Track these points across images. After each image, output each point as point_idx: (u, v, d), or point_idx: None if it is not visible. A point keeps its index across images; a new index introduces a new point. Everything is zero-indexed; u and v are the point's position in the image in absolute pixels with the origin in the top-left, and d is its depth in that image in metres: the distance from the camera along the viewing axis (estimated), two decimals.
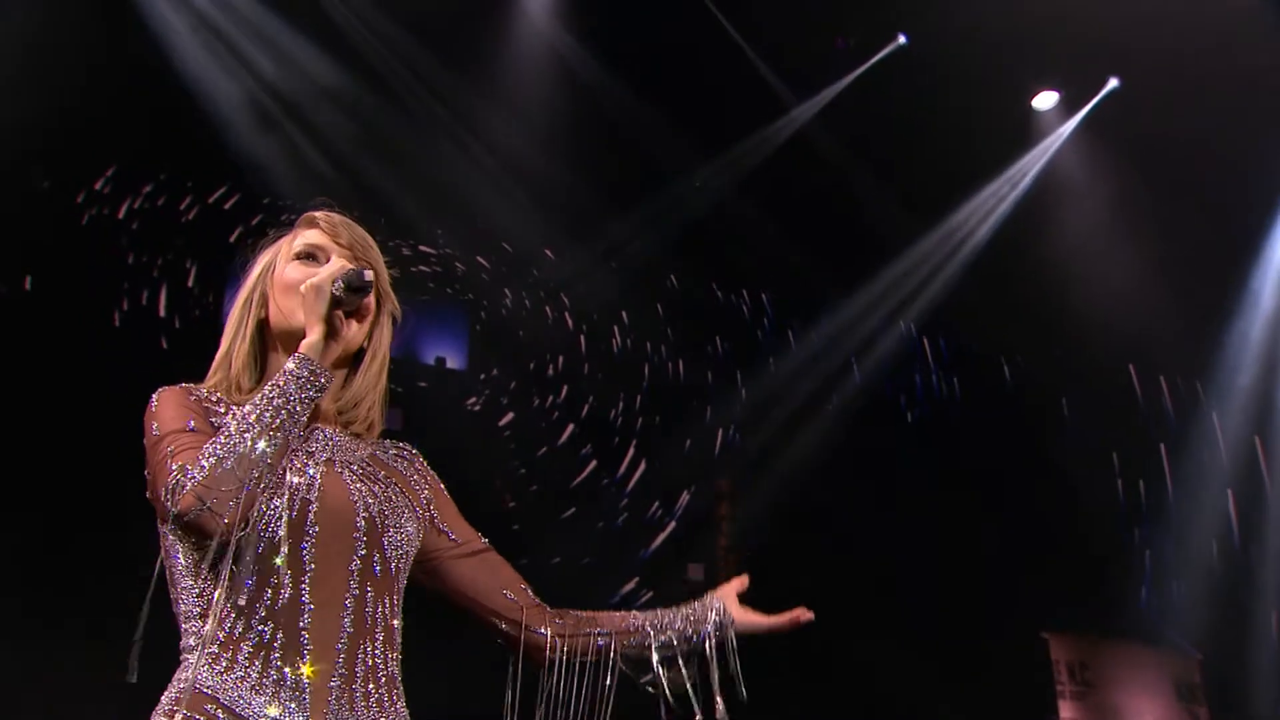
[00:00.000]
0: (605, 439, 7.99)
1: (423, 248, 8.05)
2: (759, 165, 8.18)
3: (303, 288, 1.81)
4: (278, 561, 1.72)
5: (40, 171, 6.62)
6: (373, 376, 1.96)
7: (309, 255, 1.93)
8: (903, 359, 8.88)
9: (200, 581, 1.74)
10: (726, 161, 8.16)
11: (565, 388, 7.95)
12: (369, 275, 1.79)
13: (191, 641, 1.74)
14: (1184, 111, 7.62)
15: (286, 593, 1.72)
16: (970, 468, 8.42)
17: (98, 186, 6.77)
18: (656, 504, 7.99)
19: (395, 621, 1.85)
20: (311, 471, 1.80)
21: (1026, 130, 8.49)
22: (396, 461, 1.99)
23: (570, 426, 7.83)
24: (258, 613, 1.71)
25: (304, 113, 7.21)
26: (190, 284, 7.07)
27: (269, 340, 1.94)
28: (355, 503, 1.81)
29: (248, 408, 1.70)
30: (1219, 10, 7.16)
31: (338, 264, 1.85)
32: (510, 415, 7.73)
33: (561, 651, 1.96)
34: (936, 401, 8.88)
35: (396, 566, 1.85)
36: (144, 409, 1.83)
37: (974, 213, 8.55)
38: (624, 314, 8.28)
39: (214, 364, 1.93)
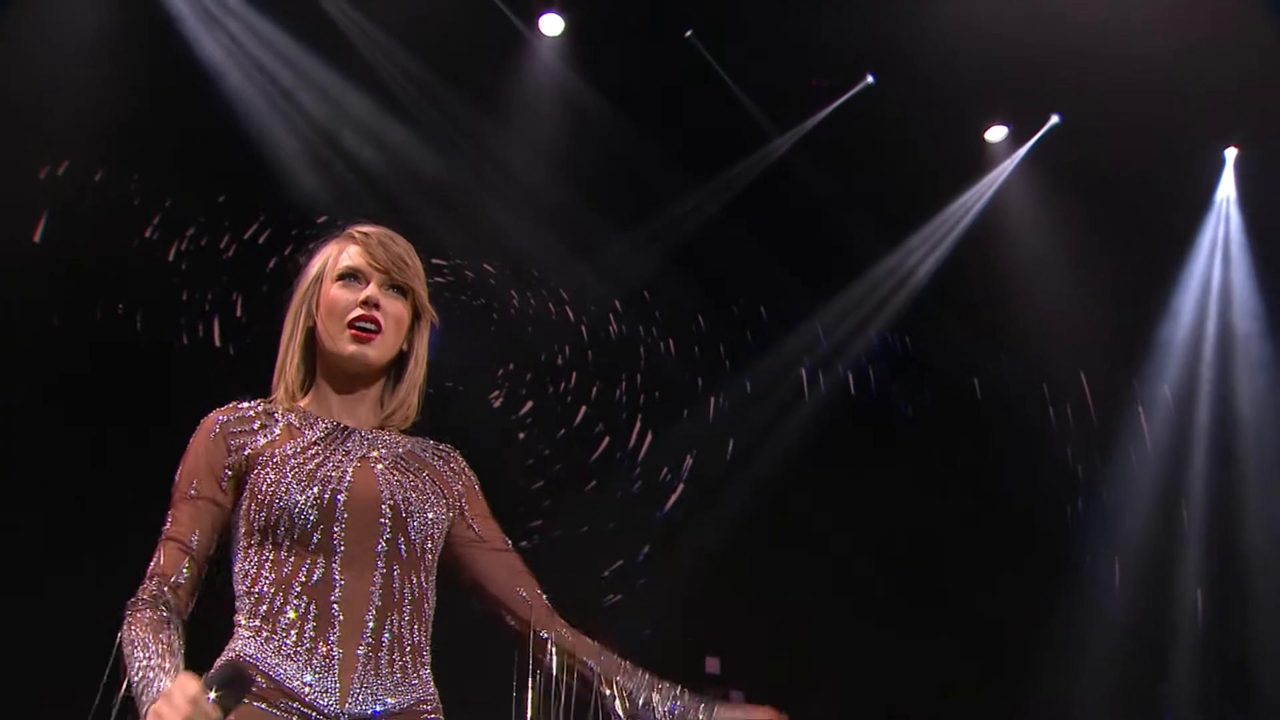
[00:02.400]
0: (614, 416, 8.64)
1: (435, 260, 8.84)
2: (743, 190, 9.00)
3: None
4: (310, 545, 1.88)
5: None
6: (413, 380, 2.12)
7: (350, 276, 2.06)
8: (869, 363, 9.63)
9: (247, 564, 1.94)
10: (714, 187, 8.98)
11: (574, 374, 8.68)
12: (231, 687, 1.65)
13: (241, 618, 1.92)
14: (1116, 144, 8.51)
15: (319, 573, 1.88)
16: (931, 461, 9.18)
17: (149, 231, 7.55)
18: (665, 469, 8.68)
19: (425, 598, 1.98)
20: (344, 467, 1.96)
21: (979, 160, 9.33)
22: (434, 458, 2.13)
23: (583, 409, 8.51)
24: (294, 590, 1.86)
25: (340, 144, 8.03)
26: (239, 314, 7.92)
27: (317, 350, 2.10)
28: (382, 491, 1.95)
29: (135, 668, 1.73)
30: (1148, 52, 7.96)
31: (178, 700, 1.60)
32: (529, 404, 8.48)
33: (554, 658, 2.04)
34: (900, 402, 9.62)
35: (423, 548, 1.98)
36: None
37: (934, 232, 9.36)
38: (617, 303, 8.89)
39: (275, 373, 2.10)
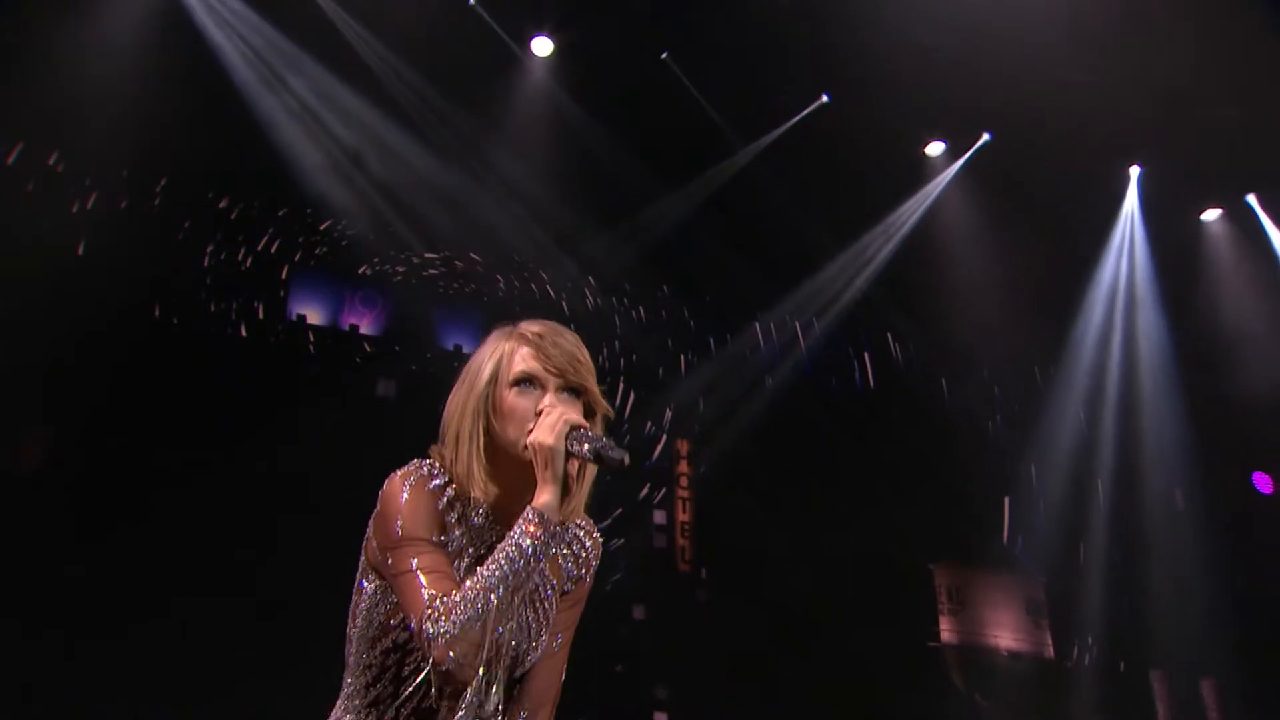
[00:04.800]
0: (600, 378, 9.50)
1: (428, 255, 9.73)
2: (712, 194, 9.82)
3: (533, 440, 1.87)
4: (421, 676, 1.89)
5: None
6: (588, 477, 1.99)
7: (526, 381, 1.97)
8: (822, 347, 10.53)
9: (375, 654, 1.93)
10: (686, 191, 9.81)
11: None
12: (624, 458, 1.82)
13: (347, 692, 1.96)
14: (1039, 160, 9.49)
15: (427, 703, 1.90)
16: (877, 435, 10.10)
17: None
18: (649, 423, 9.59)
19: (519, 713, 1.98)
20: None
21: (920, 172, 10.25)
22: (567, 563, 2.06)
23: None
24: (403, 707, 1.91)
25: (355, 153, 8.88)
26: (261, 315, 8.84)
27: (495, 446, 1.99)
28: (514, 632, 1.91)
29: (490, 567, 1.79)
30: (1068, 82, 8.80)
31: (557, 416, 1.88)
32: None
33: None
34: (849, 382, 10.59)
35: (517, 679, 1.98)
36: (386, 481, 1.97)
37: (880, 234, 10.28)
38: (591, 279, 9.76)
39: (442, 442, 2.01)
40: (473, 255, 9.75)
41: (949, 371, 10.56)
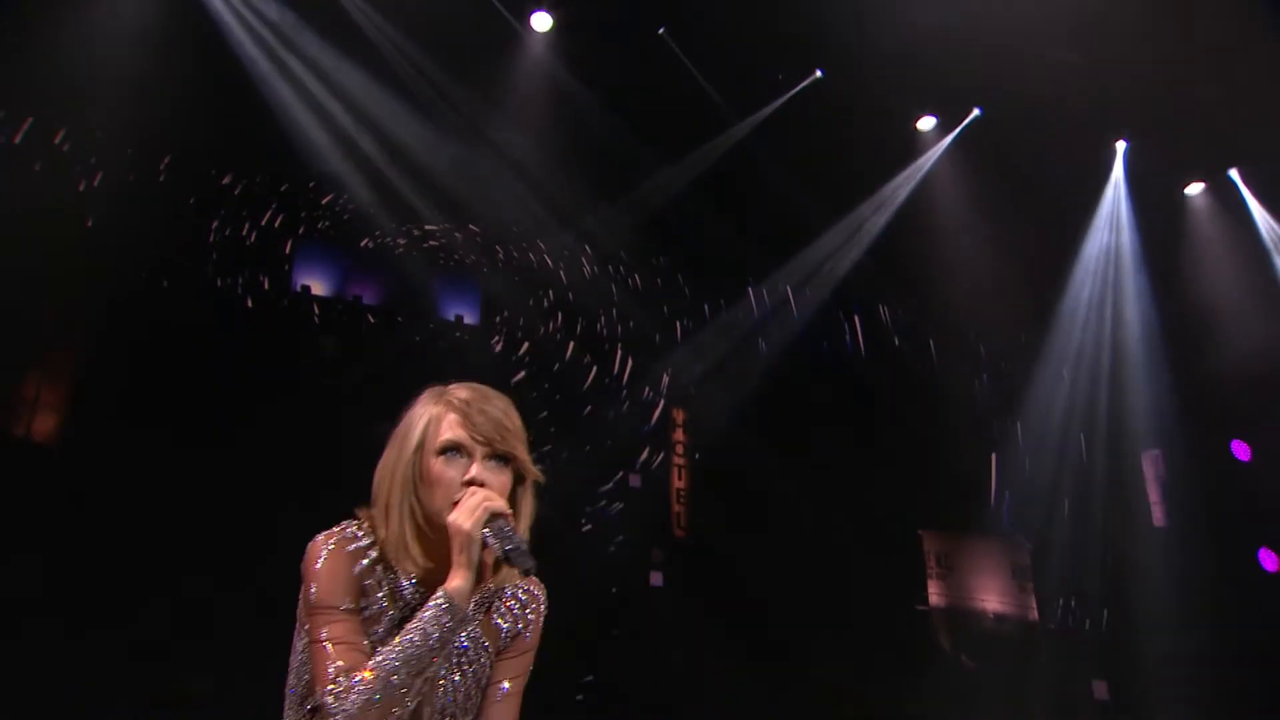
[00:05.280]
0: (598, 347, 9.72)
1: (427, 226, 9.89)
2: (708, 168, 9.98)
3: (452, 521, 1.85)
4: None
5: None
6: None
7: (453, 449, 1.96)
8: (815, 317, 10.66)
9: (303, 712, 1.92)
10: (683, 165, 9.97)
11: (559, 314, 9.72)
12: (529, 568, 1.80)
13: None
14: (1028, 134, 9.65)
15: None
16: (869, 402, 10.33)
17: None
18: (647, 389, 9.81)
19: None
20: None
21: (912, 146, 10.40)
22: (505, 622, 2.04)
23: (571, 344, 9.59)
24: None
25: (358, 126, 9.02)
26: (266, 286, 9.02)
27: (425, 514, 1.97)
28: (436, 697, 1.92)
29: (395, 649, 1.78)
30: (1056, 58, 8.95)
31: (477, 502, 1.85)
32: (526, 344, 9.52)
33: None
34: (841, 350, 10.79)
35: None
36: (309, 544, 1.93)
37: (872, 207, 10.44)
38: (588, 248, 9.92)
39: (373, 507, 1.99)
40: (471, 227, 9.94)
41: (939, 339, 10.74)
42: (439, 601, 1.83)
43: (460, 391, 2.04)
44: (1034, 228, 10.06)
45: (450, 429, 1.99)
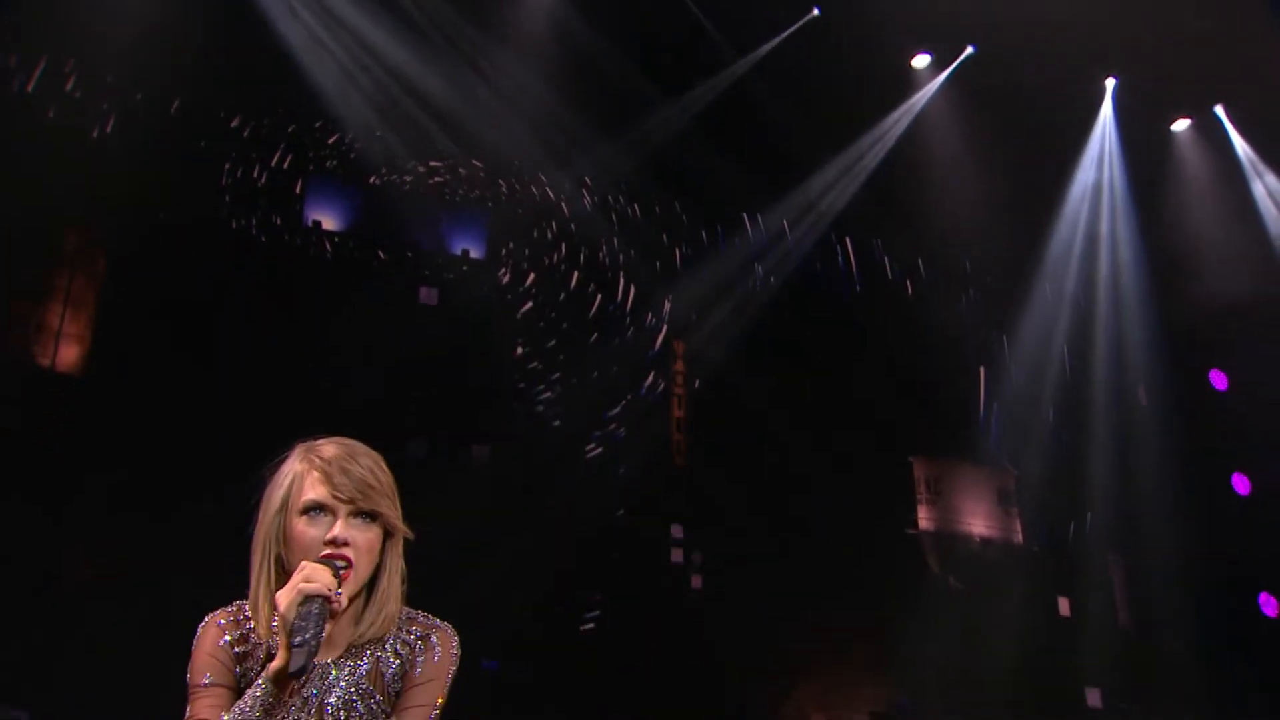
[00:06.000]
0: (601, 275, 10.02)
1: (432, 163, 10.10)
2: (709, 104, 10.16)
3: (277, 599, 1.80)
4: None
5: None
6: (386, 598, 1.98)
7: (315, 509, 1.93)
8: (811, 249, 10.91)
9: None
10: (684, 102, 10.16)
11: (563, 245, 9.98)
12: (299, 668, 1.74)
13: None
14: (1021, 71, 9.92)
15: None
16: (862, 332, 10.57)
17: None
18: (650, 314, 10.10)
19: None
20: None
21: (907, 83, 10.64)
22: (391, 667, 1.98)
23: (575, 274, 9.88)
24: None
25: (369, 66, 9.18)
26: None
27: (289, 575, 1.90)
28: None
29: None
30: None
31: (294, 583, 1.80)
32: (532, 275, 9.80)
33: None
34: (835, 279, 11.04)
35: None
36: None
37: (869, 144, 10.65)
38: (589, 180, 10.09)
39: (250, 595, 1.98)
40: (475, 162, 10.15)
41: (930, 268, 11.02)
42: (259, 683, 1.81)
43: (325, 449, 1.99)
44: (1025, 162, 10.31)
45: (312, 488, 1.94)
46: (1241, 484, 11.40)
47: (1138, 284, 10.88)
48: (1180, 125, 11.14)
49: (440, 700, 1.96)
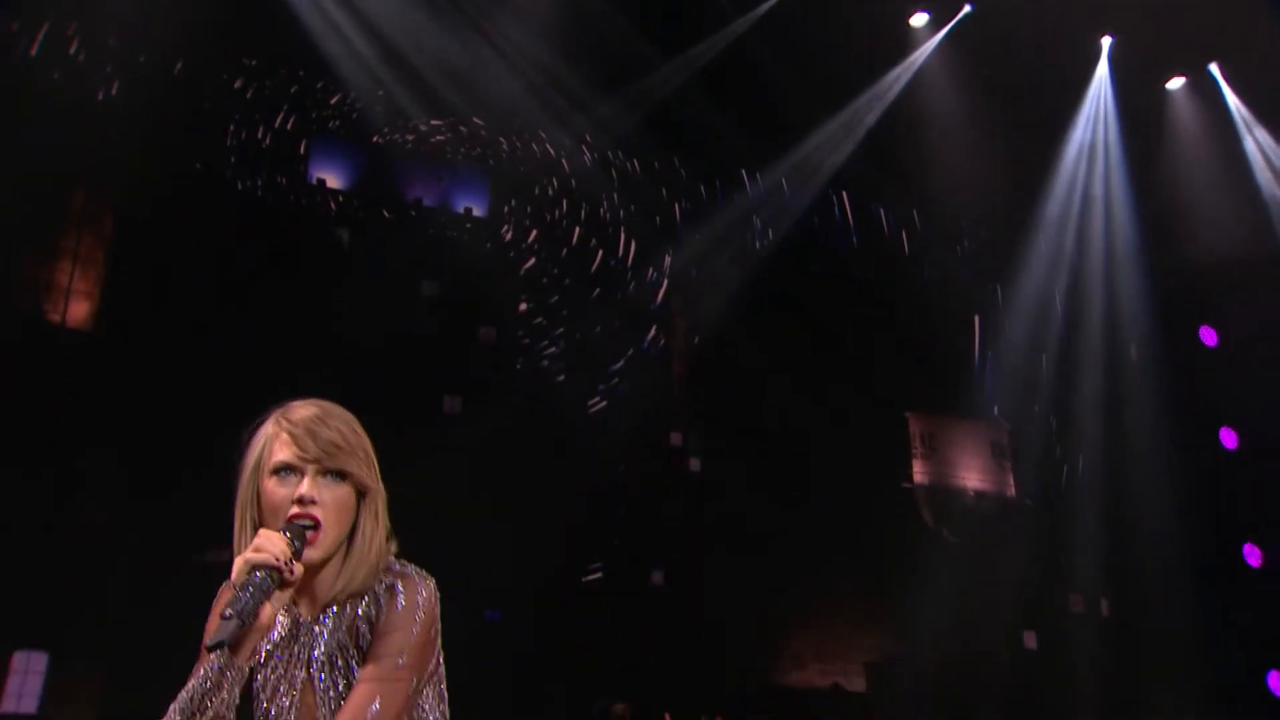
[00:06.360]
0: (602, 231, 10.18)
1: (433, 121, 10.17)
2: (708, 63, 10.25)
3: (231, 581, 1.82)
4: None
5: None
6: (362, 556, 1.98)
7: (285, 470, 1.95)
8: (808, 205, 11.04)
9: None
10: (683, 60, 10.24)
11: (564, 202, 10.11)
12: (219, 641, 1.73)
13: None
14: (1017, 30, 10.01)
15: None
16: (861, 291, 10.71)
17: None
18: (650, 270, 10.28)
19: None
20: (294, 682, 1.96)
21: (905, 41, 10.71)
22: (363, 625, 1.99)
23: (577, 229, 10.04)
24: None
25: (371, 25, 9.22)
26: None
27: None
28: (319, 713, 1.95)
29: (182, 693, 1.80)
30: None
31: (249, 551, 1.82)
32: (534, 232, 9.94)
33: None
34: (834, 239, 11.21)
35: None
36: None
37: (868, 102, 10.76)
38: (589, 137, 10.23)
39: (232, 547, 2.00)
40: (476, 120, 10.22)
41: (928, 225, 11.18)
42: (210, 659, 1.82)
43: (296, 412, 2.00)
44: (1022, 121, 10.42)
45: (281, 449, 1.96)
46: (1229, 438, 11.62)
47: (1131, 241, 11.02)
48: (1175, 84, 11.24)
49: (406, 649, 1.93)
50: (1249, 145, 10.67)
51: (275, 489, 1.93)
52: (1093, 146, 11.11)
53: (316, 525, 1.90)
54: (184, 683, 1.74)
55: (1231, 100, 10.79)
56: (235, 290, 8.76)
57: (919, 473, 11.51)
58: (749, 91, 10.30)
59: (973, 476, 11.59)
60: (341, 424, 1.99)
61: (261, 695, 1.96)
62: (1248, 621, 10.55)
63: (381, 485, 2.00)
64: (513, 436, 9.04)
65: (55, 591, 7.40)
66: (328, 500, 1.93)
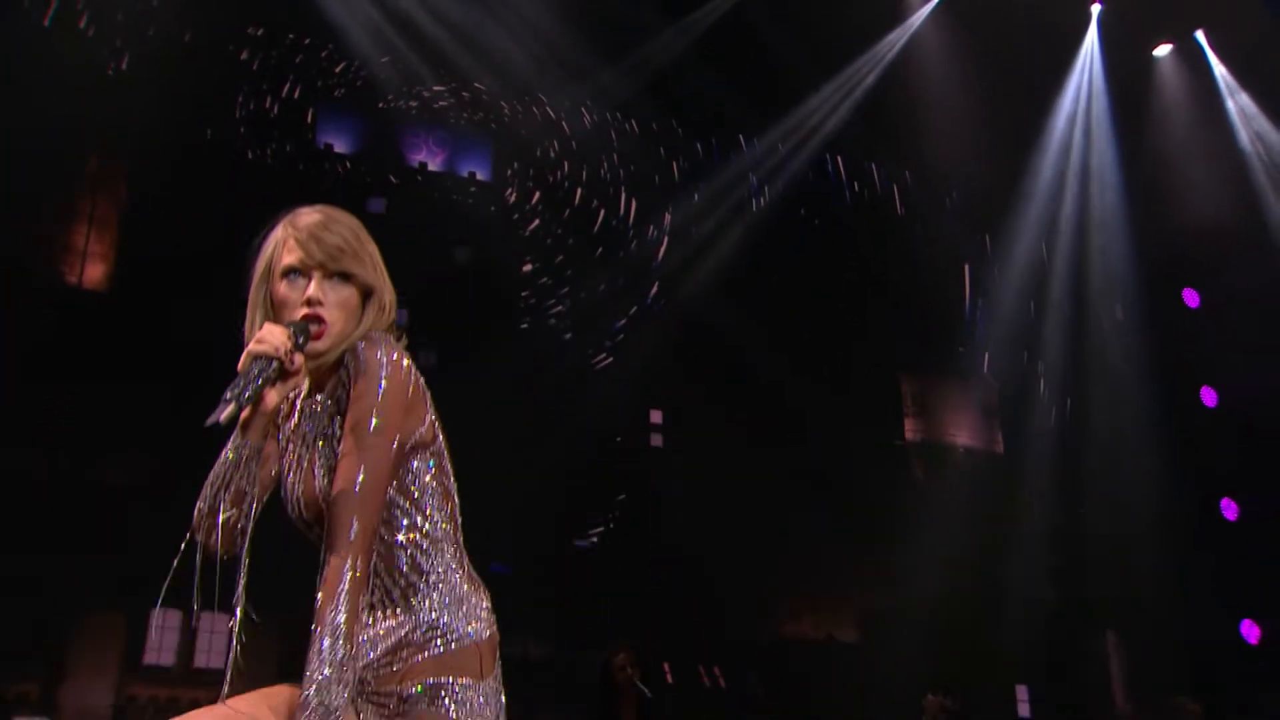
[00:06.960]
0: (603, 192, 10.37)
1: (436, 87, 10.31)
2: (707, 29, 10.39)
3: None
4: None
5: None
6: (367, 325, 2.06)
7: (292, 273, 2.02)
8: (805, 169, 11.21)
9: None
10: (683, 26, 10.39)
11: (565, 163, 10.30)
12: (213, 417, 1.79)
13: None
14: None
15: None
16: (855, 252, 10.99)
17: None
18: (651, 228, 10.47)
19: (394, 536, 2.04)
20: (303, 464, 2.06)
21: (900, 7, 10.90)
22: (341, 392, 2.05)
23: (579, 190, 10.22)
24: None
25: None
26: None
27: None
28: (318, 494, 2.01)
29: (209, 477, 1.97)
30: None
31: (253, 342, 1.89)
32: (538, 194, 10.12)
33: None
34: (829, 201, 11.40)
35: None
36: None
37: (863, 66, 10.94)
38: (589, 101, 10.39)
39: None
40: (478, 85, 10.35)
41: (921, 188, 11.42)
42: (232, 439, 1.96)
43: (303, 218, 2.07)
44: (1013, 86, 10.65)
45: (289, 253, 2.03)
46: (1209, 397, 11.98)
47: (1118, 205, 11.27)
48: (1162, 50, 11.47)
49: (377, 411, 1.94)
50: (1231, 109, 10.93)
51: (286, 292, 2.01)
52: (1081, 112, 11.32)
53: (321, 323, 1.98)
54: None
55: (1217, 67, 11.04)
56: (244, 251, 8.89)
57: (911, 430, 11.79)
58: (747, 56, 10.40)
59: (963, 434, 11.90)
60: (345, 229, 2.05)
61: (286, 478, 2.09)
62: (1221, 567, 10.88)
63: (389, 284, 2.08)
64: (519, 393, 9.24)
65: (78, 549, 7.57)
66: (332, 300, 2.01)
